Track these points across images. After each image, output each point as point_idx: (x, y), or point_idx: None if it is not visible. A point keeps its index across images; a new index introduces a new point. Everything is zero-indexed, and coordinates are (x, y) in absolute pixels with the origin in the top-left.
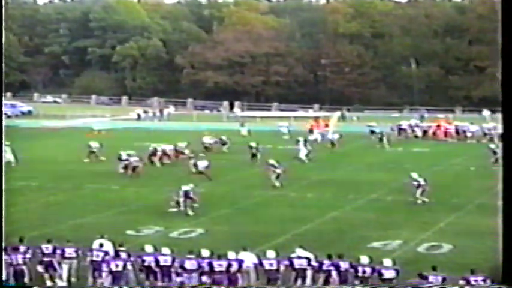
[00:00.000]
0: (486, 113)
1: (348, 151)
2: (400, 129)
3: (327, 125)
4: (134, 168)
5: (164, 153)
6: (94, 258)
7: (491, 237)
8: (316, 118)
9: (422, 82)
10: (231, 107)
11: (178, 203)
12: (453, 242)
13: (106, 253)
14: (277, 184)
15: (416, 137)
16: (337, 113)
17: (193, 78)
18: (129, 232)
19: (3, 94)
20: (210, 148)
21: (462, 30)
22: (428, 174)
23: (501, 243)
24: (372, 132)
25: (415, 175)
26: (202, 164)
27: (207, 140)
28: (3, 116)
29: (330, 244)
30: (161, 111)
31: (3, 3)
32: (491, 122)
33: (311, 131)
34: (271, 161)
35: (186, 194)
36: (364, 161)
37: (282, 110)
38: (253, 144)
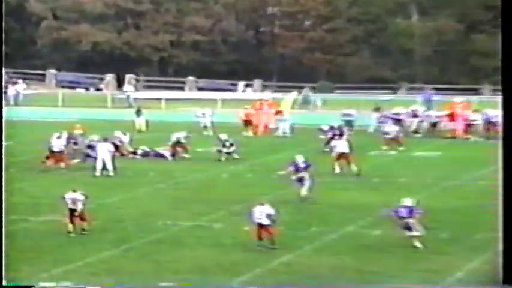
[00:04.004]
0: None
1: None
2: (396, 121)
3: (278, 112)
4: None
5: None
6: None
7: None
8: (258, 102)
9: (429, 44)
10: (119, 83)
11: None
12: None
13: None
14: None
15: (416, 132)
16: (293, 94)
17: (58, 37)
18: None
19: (3, 91)
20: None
21: None
22: (436, 193)
23: (501, 243)
24: (349, 123)
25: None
26: None
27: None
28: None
29: None
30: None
31: (3, 3)
32: None
33: (247, 123)
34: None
35: None
36: (337, 172)
37: (201, 89)
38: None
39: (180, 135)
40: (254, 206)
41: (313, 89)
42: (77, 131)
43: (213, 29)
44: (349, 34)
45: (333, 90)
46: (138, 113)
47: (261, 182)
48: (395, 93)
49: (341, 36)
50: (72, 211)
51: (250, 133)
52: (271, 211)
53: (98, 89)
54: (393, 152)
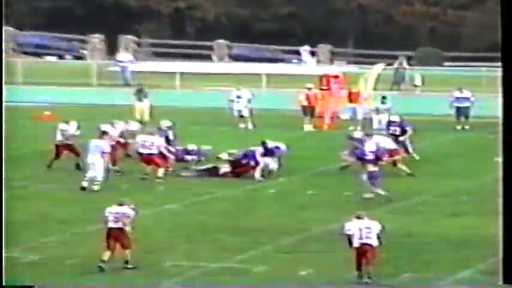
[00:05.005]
0: None
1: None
2: None
3: (351, 96)
4: None
5: None
6: None
7: None
8: (324, 77)
9: None
10: (111, 48)
11: None
12: None
13: None
14: None
15: None
16: (378, 67)
17: None
18: None
19: (3, 91)
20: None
21: None
22: None
23: (501, 243)
24: (462, 111)
25: None
26: None
27: None
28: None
29: None
30: None
31: (3, 4)
32: None
33: (308, 110)
34: (363, 224)
35: None
36: (450, 184)
37: (236, 59)
38: None
39: None
40: (349, 220)
41: (410, 59)
42: (165, 124)
43: None
44: None
45: (440, 62)
46: (139, 93)
47: (326, 202)
48: None
49: None
50: (111, 232)
51: (311, 127)
52: (378, 227)
53: (78, 57)
54: None
